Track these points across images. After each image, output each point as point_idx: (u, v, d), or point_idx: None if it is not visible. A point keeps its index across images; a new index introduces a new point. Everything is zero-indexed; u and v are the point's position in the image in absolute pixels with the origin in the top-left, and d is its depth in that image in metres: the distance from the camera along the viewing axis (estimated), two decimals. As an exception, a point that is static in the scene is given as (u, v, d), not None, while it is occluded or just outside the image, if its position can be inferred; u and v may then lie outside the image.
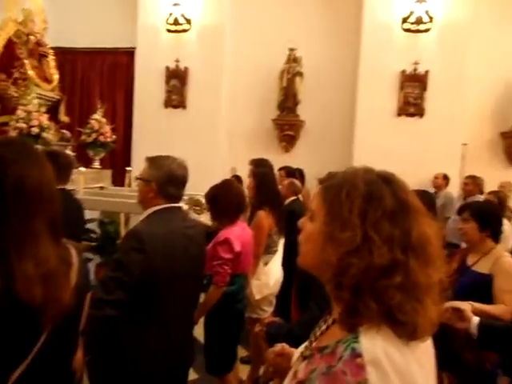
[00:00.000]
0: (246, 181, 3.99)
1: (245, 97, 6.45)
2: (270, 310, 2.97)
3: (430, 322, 0.72)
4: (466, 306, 1.69)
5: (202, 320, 2.41)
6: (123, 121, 6.73)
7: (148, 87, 6.28)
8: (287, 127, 6.21)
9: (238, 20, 6.34)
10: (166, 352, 1.71)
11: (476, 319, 1.61)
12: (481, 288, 2.08)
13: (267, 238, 2.89)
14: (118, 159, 6.61)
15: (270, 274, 2.88)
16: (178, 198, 1.77)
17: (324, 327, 0.86)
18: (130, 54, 6.56)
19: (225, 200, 2.48)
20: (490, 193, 4.20)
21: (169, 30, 6.11)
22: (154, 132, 6.15)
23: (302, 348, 0.97)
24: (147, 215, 1.71)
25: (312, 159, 6.06)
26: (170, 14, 6.04)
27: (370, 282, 0.71)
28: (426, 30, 5.52)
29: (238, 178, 5.43)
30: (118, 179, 5.92)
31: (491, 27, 5.90)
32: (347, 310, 0.74)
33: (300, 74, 6.05)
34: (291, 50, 6.00)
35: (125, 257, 1.57)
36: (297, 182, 4.09)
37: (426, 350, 0.77)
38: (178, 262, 1.68)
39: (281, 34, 6.19)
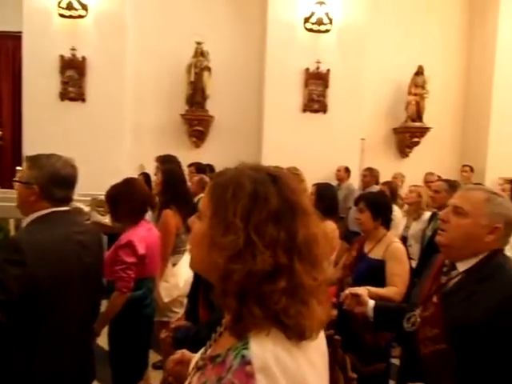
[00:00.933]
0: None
1: (151, 90, 6.19)
2: (180, 311, 2.89)
3: (318, 321, 0.72)
4: (363, 291, 1.79)
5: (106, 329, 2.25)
6: (11, 114, 6.01)
7: (39, 77, 5.65)
8: (196, 122, 6.11)
9: (140, 7, 6.03)
10: (61, 372, 1.54)
11: (372, 303, 1.71)
12: (375, 273, 2.25)
13: (175, 237, 2.79)
14: (6, 158, 5.89)
15: (179, 275, 2.79)
16: (66, 201, 1.59)
17: (217, 334, 0.82)
18: (16, 38, 5.85)
19: (126, 200, 2.33)
20: (384, 183, 4.60)
21: (62, 15, 5.56)
22: (49, 127, 5.58)
23: (198, 356, 0.93)
24: (28, 222, 1.52)
25: (222, 155, 6.03)
26: (63, -3, 5.51)
27: (253, 288, 0.69)
28: (327, 31, 5.83)
29: (146, 176, 5.19)
30: (7, 180, 5.27)
31: (386, 31, 6.44)
32: (234, 316, 0.71)
33: (208, 68, 5.98)
34: (198, 43, 5.89)
35: (0, 273, 1.37)
36: (207, 179, 4.04)
37: (317, 346, 0.78)
38: (69, 271, 1.52)
39: (187, 26, 6.05)
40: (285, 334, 0.69)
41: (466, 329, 1.30)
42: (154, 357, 3.11)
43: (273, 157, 5.32)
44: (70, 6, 5.53)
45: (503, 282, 1.32)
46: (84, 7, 5.59)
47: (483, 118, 6.35)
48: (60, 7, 5.52)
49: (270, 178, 0.77)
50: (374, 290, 1.99)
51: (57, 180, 1.53)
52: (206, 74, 5.96)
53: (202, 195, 3.79)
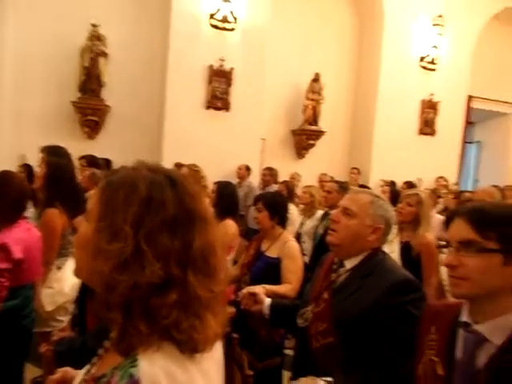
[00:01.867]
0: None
1: (37, 74, 5.55)
2: (66, 318, 2.62)
3: (212, 335, 0.69)
4: (260, 289, 1.83)
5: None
6: None
7: None
8: (90, 111, 5.64)
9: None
10: None
11: (268, 300, 1.76)
12: (272, 271, 2.33)
13: (60, 238, 2.52)
14: None
15: (65, 280, 2.52)
16: None
17: (102, 350, 0.74)
18: None
19: (0, 196, 2.03)
20: (282, 183, 4.82)
21: None
22: None
23: (82, 374, 0.83)
24: None
25: (119, 148, 5.69)
26: None
27: (140, 301, 0.63)
28: (232, 30, 5.85)
29: (28, 167, 4.62)
30: None
31: (287, 37, 6.72)
32: (120, 332, 0.64)
33: (104, 54, 5.57)
34: (94, 26, 5.44)
35: None
36: (99, 173, 3.75)
37: (212, 354, 0.75)
38: None
39: (81, 6, 5.54)
40: (177, 348, 0.65)
41: (353, 321, 1.40)
42: (34, 371, 2.78)
43: (173, 152, 5.19)
44: None
45: (382, 277, 1.45)
46: None
47: (369, 124, 7.03)
48: None
49: (169, 181, 0.71)
50: (270, 287, 2.05)
51: None
52: (101, 59, 5.54)
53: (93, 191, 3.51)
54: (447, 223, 1.10)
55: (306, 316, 1.57)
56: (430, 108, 7.12)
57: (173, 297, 0.64)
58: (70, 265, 2.59)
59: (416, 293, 1.40)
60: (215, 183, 3.08)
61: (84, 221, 0.73)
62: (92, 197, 0.74)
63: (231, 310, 2.23)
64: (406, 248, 2.72)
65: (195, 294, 0.66)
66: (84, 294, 2.72)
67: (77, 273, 0.75)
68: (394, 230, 2.56)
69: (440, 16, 6.87)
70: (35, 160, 4.17)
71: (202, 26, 5.77)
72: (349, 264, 1.52)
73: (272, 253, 2.40)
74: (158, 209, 0.66)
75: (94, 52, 5.47)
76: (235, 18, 5.83)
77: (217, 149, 5.70)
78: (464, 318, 1.05)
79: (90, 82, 5.52)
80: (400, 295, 1.37)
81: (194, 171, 3.59)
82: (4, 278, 1.90)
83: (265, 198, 2.53)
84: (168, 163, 4.89)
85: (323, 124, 6.78)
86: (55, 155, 3.03)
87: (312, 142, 6.92)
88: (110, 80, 5.67)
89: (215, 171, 4.84)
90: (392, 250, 2.65)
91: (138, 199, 0.66)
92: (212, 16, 5.74)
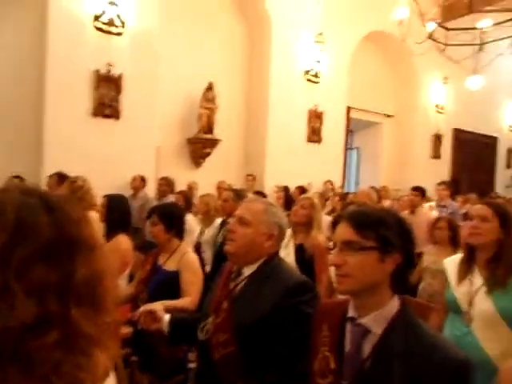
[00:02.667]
0: None
1: None
2: None
3: (102, 372, 0.61)
4: (158, 306, 1.75)
5: None
6: None
7: None
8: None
9: None
10: None
11: (167, 317, 1.69)
12: (171, 285, 2.25)
13: None
14: None
15: None
16: None
17: None
18: None
19: None
20: (179, 192, 4.72)
21: None
22: None
23: None
24: None
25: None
26: None
27: (12, 346, 0.54)
28: (119, 34, 5.57)
29: None
30: None
31: (178, 43, 6.62)
32: None
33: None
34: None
35: None
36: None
37: None
38: None
39: None
40: None
41: (253, 328, 1.42)
42: None
43: (58, 165, 4.70)
44: None
45: (278, 281, 1.50)
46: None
47: (262, 132, 7.31)
48: None
49: (45, 205, 0.62)
50: (168, 303, 1.98)
51: None
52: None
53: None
54: (333, 226, 1.19)
55: (206, 328, 1.55)
56: (315, 117, 7.72)
57: (53, 336, 0.56)
58: None
59: (310, 293, 1.48)
60: (104, 196, 2.87)
61: None
62: None
63: (128, 330, 2.11)
64: (300, 250, 2.87)
65: (80, 331, 0.59)
66: None
67: None
68: (289, 232, 2.69)
69: (321, 34, 7.51)
70: None
71: (86, 29, 5.37)
72: (247, 271, 1.55)
73: (170, 266, 2.32)
74: (30, 236, 0.58)
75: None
76: (123, 23, 5.57)
77: (108, 159, 5.35)
78: (351, 313, 1.15)
79: None
80: (294, 297, 1.43)
81: (75, 185, 3.16)
82: None
83: (159, 210, 2.45)
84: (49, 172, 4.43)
85: (218, 132, 6.85)
86: None
87: (208, 150, 6.93)
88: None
89: (108, 183, 4.53)
90: (287, 252, 2.78)
91: (5, 226, 0.57)
92: (97, 18, 5.39)
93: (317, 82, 7.65)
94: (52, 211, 0.62)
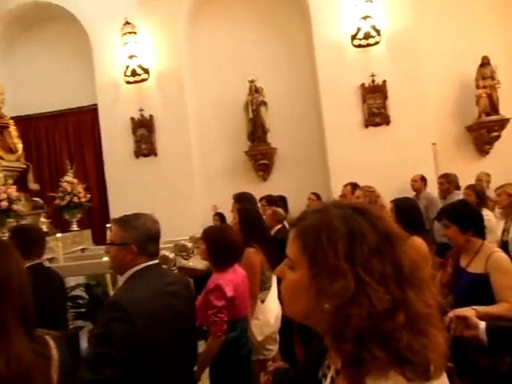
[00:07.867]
0: (230, 216, 3.96)
1: (214, 134, 6.50)
2: (275, 347, 2.86)
3: (441, 353, 0.67)
4: (470, 312, 1.65)
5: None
6: (95, 177, 6.64)
7: (115, 140, 6.27)
8: (261, 156, 6.24)
9: (195, 61, 6.48)
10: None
11: (483, 324, 1.57)
12: (479, 289, 2.05)
13: (260, 275, 2.81)
14: (96, 217, 6.47)
15: (269, 312, 2.78)
16: (156, 254, 1.72)
17: (328, 381, 0.79)
18: (93, 110, 6.54)
19: (224, 244, 2.41)
20: (468, 187, 4.23)
21: (128, 82, 6.15)
22: (128, 182, 6.11)
23: None
24: (126, 279, 1.64)
25: (290, 183, 6.09)
26: (127, 67, 6.11)
27: (373, 329, 0.65)
28: (376, 43, 5.73)
29: (221, 216, 5.38)
30: (99, 237, 5.76)
31: (435, 30, 6.18)
32: (351, 361, 0.68)
33: (264, 103, 6.14)
34: (251, 81, 6.11)
35: (107, 330, 1.45)
36: (279, 210, 4.07)
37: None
38: (164, 323, 1.58)
39: (238, 68, 6.32)
40: (405, 377, 0.65)
41: None
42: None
43: (341, 177, 5.23)
44: (134, 73, 6.10)
45: None
46: (146, 71, 6.13)
47: None
48: (126, 75, 6.12)
49: (356, 211, 0.75)
50: (481, 309, 1.80)
51: (151, 237, 1.67)
52: (262, 108, 6.12)
53: (278, 227, 3.82)
54: None
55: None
56: None
57: (401, 318, 0.65)
58: (271, 298, 2.85)
59: None
60: (392, 201, 2.96)
61: (287, 270, 0.78)
62: (289, 247, 0.79)
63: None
64: None
65: (417, 312, 0.67)
66: (287, 326, 2.91)
67: (292, 315, 0.81)
68: None
69: None
70: (225, 207, 4.86)
71: (346, 49, 5.83)
72: None
73: (475, 268, 2.13)
74: (361, 239, 0.70)
75: (254, 104, 6.08)
76: (378, 31, 5.70)
77: (384, 165, 5.49)
78: None
79: (257, 131, 6.12)
80: None
81: (369, 192, 3.59)
82: (223, 314, 2.22)
83: (448, 211, 2.30)
84: (338, 189, 4.98)
85: (505, 111, 5.82)
86: (242, 200, 3.49)
87: (495, 133, 5.99)
88: (272, 124, 6.17)
89: (387, 188, 4.63)
90: None
91: (342, 235, 0.71)
92: (354, 37, 5.74)
93: None
94: (364, 215, 0.74)
